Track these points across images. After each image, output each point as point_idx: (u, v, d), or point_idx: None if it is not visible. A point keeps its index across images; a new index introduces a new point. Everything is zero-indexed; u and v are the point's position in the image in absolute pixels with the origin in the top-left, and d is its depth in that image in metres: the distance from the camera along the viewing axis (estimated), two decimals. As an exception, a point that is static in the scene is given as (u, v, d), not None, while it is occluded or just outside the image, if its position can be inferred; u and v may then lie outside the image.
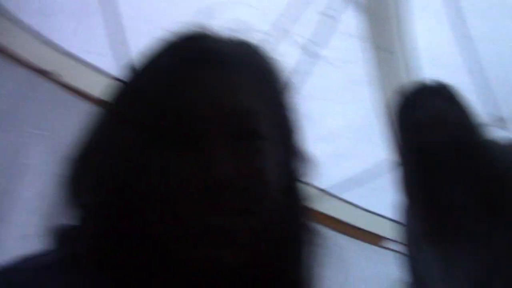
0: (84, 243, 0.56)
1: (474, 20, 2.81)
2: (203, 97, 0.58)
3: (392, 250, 2.84)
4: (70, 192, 0.61)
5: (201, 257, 0.56)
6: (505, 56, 2.84)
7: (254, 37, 0.68)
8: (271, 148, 0.62)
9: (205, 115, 0.58)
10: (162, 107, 0.58)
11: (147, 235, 0.57)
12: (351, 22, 2.77)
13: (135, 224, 0.57)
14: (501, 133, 2.81)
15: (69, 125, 2.10)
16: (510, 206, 1.61)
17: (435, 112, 1.70)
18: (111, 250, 0.55)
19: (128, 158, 0.57)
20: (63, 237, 0.61)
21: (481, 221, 1.62)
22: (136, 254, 0.56)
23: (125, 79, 0.64)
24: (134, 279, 0.55)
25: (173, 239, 0.56)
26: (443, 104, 1.72)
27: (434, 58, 2.95)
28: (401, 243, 1.85)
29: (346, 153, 2.82)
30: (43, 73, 2.15)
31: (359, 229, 2.74)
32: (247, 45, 0.67)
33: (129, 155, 0.57)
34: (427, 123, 1.70)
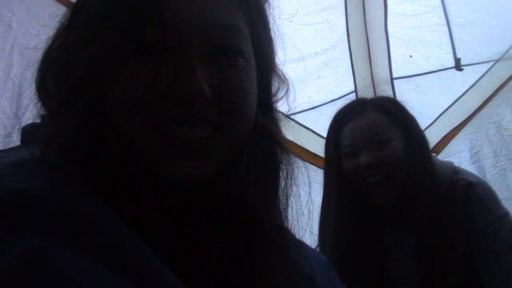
0: (58, 145, 0.55)
1: None
2: (185, 7, 0.57)
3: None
4: (39, 80, 0.61)
5: (173, 168, 0.56)
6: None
7: None
8: (249, 65, 0.62)
9: (186, 25, 0.56)
10: (140, 11, 0.55)
11: (121, 142, 0.56)
12: None
13: (108, 130, 0.56)
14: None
15: (33, 20, 1.99)
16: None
17: (368, 129, 1.44)
18: (87, 156, 0.55)
19: (101, 58, 0.55)
20: (32, 135, 0.60)
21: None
22: (111, 163, 0.55)
23: None
24: (110, 188, 0.54)
25: (145, 150, 0.56)
26: (379, 120, 1.45)
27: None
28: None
29: (310, 77, 2.82)
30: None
31: (318, 156, 2.79)
32: None
33: (102, 56, 0.55)
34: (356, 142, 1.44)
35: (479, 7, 2.84)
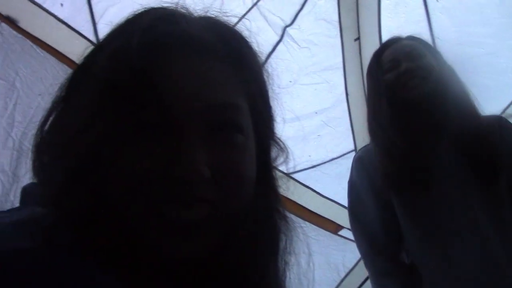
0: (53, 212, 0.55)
1: (442, 22, 2.86)
2: (183, 88, 0.56)
3: (349, 239, 2.90)
4: (36, 155, 0.60)
5: (169, 247, 0.55)
6: (469, 59, 2.90)
7: (229, 18, 0.66)
8: (248, 140, 0.61)
9: (185, 106, 0.56)
10: (138, 93, 0.55)
11: (118, 218, 0.55)
12: (322, 5, 2.78)
13: (105, 208, 0.55)
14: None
15: (37, 80, 2.02)
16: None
17: (407, 48, 1.69)
18: (82, 228, 0.54)
19: (99, 141, 0.55)
20: (28, 198, 0.60)
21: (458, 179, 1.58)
22: (109, 238, 0.55)
23: (93, 56, 0.61)
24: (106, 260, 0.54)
25: (142, 228, 0.56)
26: (416, 44, 1.73)
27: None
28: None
29: (310, 136, 2.84)
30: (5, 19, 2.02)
31: (318, 215, 2.77)
32: (226, 29, 0.65)
33: (100, 139, 0.55)
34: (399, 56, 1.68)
35: (473, 68, 2.90)
